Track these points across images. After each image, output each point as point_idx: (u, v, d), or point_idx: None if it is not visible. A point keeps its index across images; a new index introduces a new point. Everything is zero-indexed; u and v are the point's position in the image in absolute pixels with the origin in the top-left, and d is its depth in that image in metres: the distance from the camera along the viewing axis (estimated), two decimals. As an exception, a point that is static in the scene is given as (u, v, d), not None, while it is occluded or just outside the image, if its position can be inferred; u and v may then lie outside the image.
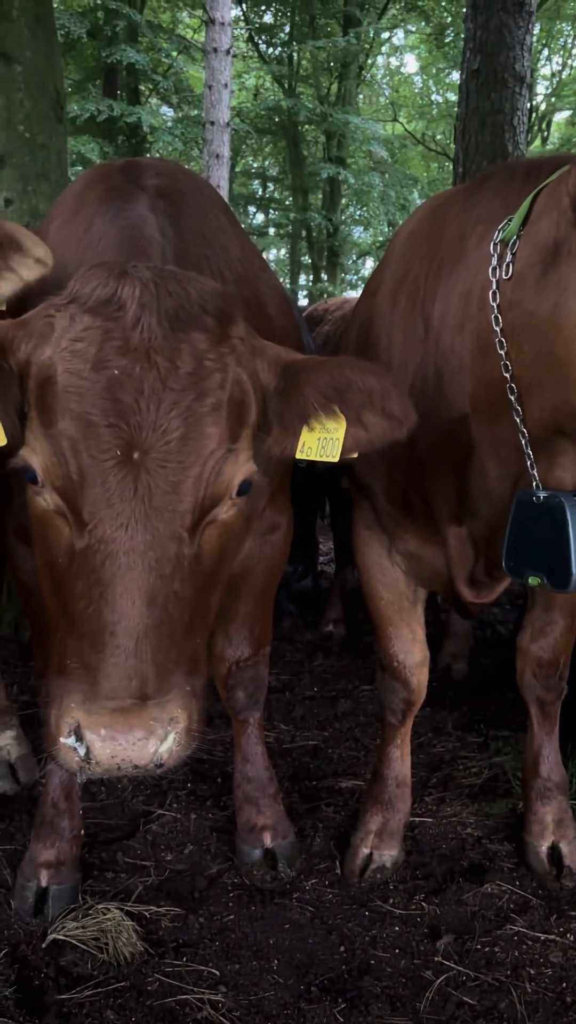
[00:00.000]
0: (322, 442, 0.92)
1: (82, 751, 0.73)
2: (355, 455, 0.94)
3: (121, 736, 0.72)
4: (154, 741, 0.74)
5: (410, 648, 1.44)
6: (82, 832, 1.38)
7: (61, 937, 1.19)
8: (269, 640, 1.54)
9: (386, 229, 9.09)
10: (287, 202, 9.46)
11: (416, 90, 10.20)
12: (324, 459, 0.94)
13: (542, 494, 1.02)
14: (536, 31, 4.46)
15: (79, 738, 0.73)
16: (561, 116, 9.52)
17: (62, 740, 0.74)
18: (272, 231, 9.94)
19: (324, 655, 2.58)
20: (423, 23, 8.54)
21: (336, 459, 0.93)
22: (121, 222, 1.09)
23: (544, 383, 0.97)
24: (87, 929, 1.19)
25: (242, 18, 8.65)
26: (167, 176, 1.23)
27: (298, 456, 0.94)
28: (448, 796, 1.69)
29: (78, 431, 0.75)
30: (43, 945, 1.19)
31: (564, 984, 1.13)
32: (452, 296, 1.10)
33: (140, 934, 1.21)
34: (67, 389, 0.76)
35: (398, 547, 1.40)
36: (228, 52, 6.31)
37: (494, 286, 1.00)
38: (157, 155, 7.74)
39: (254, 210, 10.02)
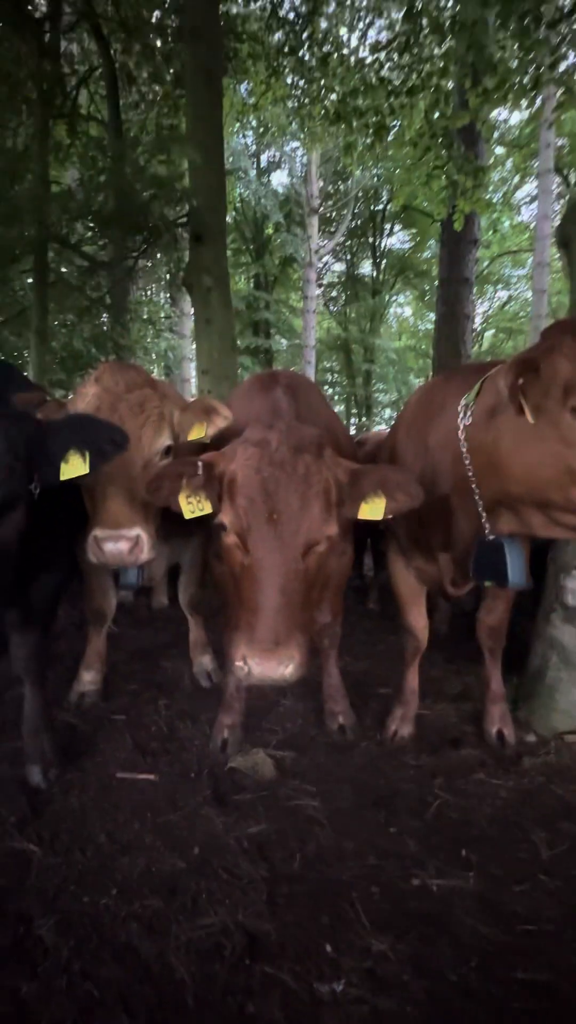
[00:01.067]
0: (372, 509, 1.60)
1: (245, 670, 1.36)
2: (390, 516, 1.61)
3: (265, 663, 1.34)
4: (282, 667, 1.35)
5: (418, 618, 2.27)
6: (243, 710, 2.25)
7: (234, 765, 2.05)
8: (342, 612, 2.37)
9: (396, 394, 17.30)
10: (344, 382, 18.30)
11: (410, 323, 20.55)
12: (373, 518, 1.61)
13: (490, 537, 1.72)
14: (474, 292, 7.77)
15: (244, 662, 1.35)
16: (489, 334, 18.53)
17: (236, 663, 1.37)
18: (336, 397, 18.72)
19: (368, 620, 3.84)
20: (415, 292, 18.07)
21: (380, 518, 1.61)
22: (267, 401, 1.86)
23: (489, 478, 1.64)
24: (247, 762, 2.06)
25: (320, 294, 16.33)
26: (290, 378, 2.06)
27: (359, 516, 1.61)
28: (439, 699, 2.58)
29: (247, 503, 1.45)
30: (224, 769, 2.05)
31: (508, 809, 1.85)
32: (439, 432, 1.81)
33: (275, 766, 2.05)
34: (242, 482, 1.47)
35: (411, 563, 2.18)
36: (313, 311, 13.75)
37: (461, 428, 1.68)
38: (281, 366, 15.24)
39: (328, 388, 18.96)
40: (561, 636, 2.27)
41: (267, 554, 1.41)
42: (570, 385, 1.41)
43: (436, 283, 8.41)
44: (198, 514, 1.60)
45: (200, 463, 1.58)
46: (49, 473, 1.49)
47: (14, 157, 5.65)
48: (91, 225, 5.48)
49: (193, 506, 1.60)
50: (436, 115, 4.93)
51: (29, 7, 5.57)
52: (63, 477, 1.48)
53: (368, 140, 5.33)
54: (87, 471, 1.51)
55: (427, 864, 1.62)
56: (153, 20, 6.50)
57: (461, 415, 1.67)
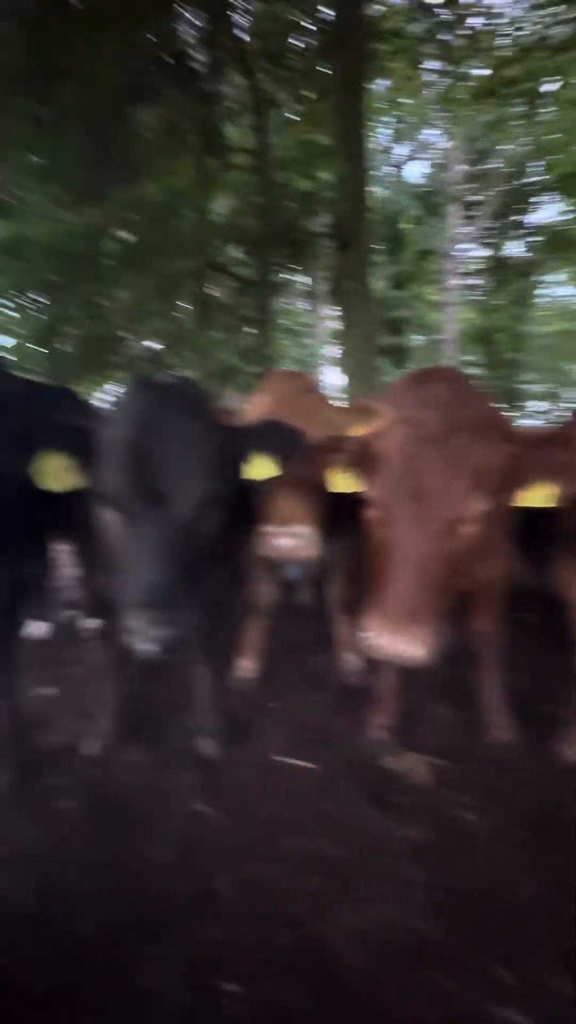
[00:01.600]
0: (536, 496, 1.48)
1: (373, 641, 1.30)
2: (561, 504, 1.45)
3: (394, 637, 1.28)
4: (412, 646, 1.27)
5: None
6: (394, 710, 2.26)
7: (388, 766, 2.07)
8: (502, 619, 2.23)
9: (552, 384, 15.65)
10: (488, 375, 15.34)
11: (570, 304, 16.59)
12: (537, 505, 1.48)
13: None
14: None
15: (373, 633, 1.30)
16: None
17: (365, 633, 1.32)
18: None
19: (523, 630, 3.15)
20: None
21: (546, 506, 1.47)
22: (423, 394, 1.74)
23: None
24: (401, 764, 2.06)
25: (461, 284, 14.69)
26: (446, 372, 1.91)
27: (520, 504, 1.50)
28: None
29: (392, 477, 1.41)
30: (378, 767, 2.06)
31: None
32: None
33: (429, 772, 2.03)
34: (390, 457, 1.44)
35: None
36: (454, 303, 12.97)
37: None
38: (416, 364, 13.69)
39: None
40: None
41: (408, 529, 1.36)
42: None
43: None
44: (348, 491, 1.61)
45: (356, 439, 1.58)
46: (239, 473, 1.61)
47: (176, 196, 6.36)
48: (242, 249, 5.93)
49: (345, 482, 1.61)
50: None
51: (191, 62, 6.23)
52: (254, 478, 1.62)
53: (522, 110, 4.91)
54: (278, 473, 1.63)
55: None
56: (298, 44, 6.80)
57: None
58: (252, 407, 2.06)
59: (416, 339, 16.36)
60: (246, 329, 7.70)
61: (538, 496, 1.45)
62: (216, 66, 6.30)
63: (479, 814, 1.83)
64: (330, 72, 4.91)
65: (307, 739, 2.29)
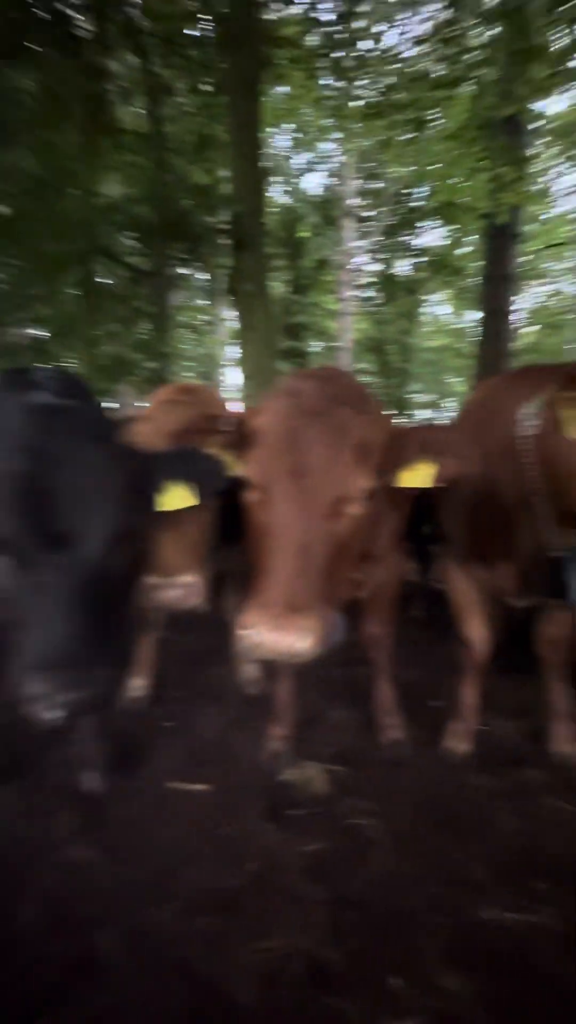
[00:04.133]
0: (416, 476, 1.40)
1: (253, 639, 1.12)
2: (440, 484, 1.42)
3: (277, 632, 1.09)
4: (297, 639, 1.09)
5: (479, 630, 2.17)
6: (293, 720, 2.20)
7: (286, 778, 2.00)
8: (394, 623, 2.28)
9: (434, 395, 17.50)
10: (380, 383, 16.58)
11: (447, 322, 18.59)
12: (418, 486, 1.41)
13: (555, 552, 1.61)
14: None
15: (252, 630, 1.12)
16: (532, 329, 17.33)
17: (243, 631, 1.12)
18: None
19: (415, 628, 3.59)
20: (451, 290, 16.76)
21: (428, 486, 1.41)
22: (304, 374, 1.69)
23: (557, 492, 1.53)
24: (299, 775, 2.01)
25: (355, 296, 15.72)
26: (327, 369, 1.96)
27: (401, 484, 1.41)
28: (495, 714, 2.41)
29: (270, 454, 1.27)
30: (277, 782, 1.98)
31: None
32: (501, 438, 1.68)
33: (329, 781, 2.00)
34: (268, 432, 1.31)
35: (471, 572, 2.07)
36: (348, 313, 14.14)
37: (525, 437, 1.58)
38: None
39: None
40: None
41: (290, 510, 1.22)
42: None
43: (475, 280, 8.52)
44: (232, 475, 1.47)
45: (231, 418, 1.45)
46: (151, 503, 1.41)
47: (62, 174, 5.84)
48: (135, 236, 5.60)
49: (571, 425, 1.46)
50: (480, 106, 4.78)
51: (75, 29, 5.75)
52: (167, 508, 1.42)
53: (406, 135, 5.23)
54: (197, 503, 1.45)
55: (498, 895, 1.52)
56: (194, 33, 6.60)
57: (526, 423, 1.57)
58: (145, 423, 1.88)
59: (315, 345, 16.91)
60: (142, 323, 7.32)
61: (419, 475, 1.38)
62: (103, 38, 5.89)
63: (376, 818, 1.84)
64: (226, 68, 4.80)
65: (203, 759, 2.16)
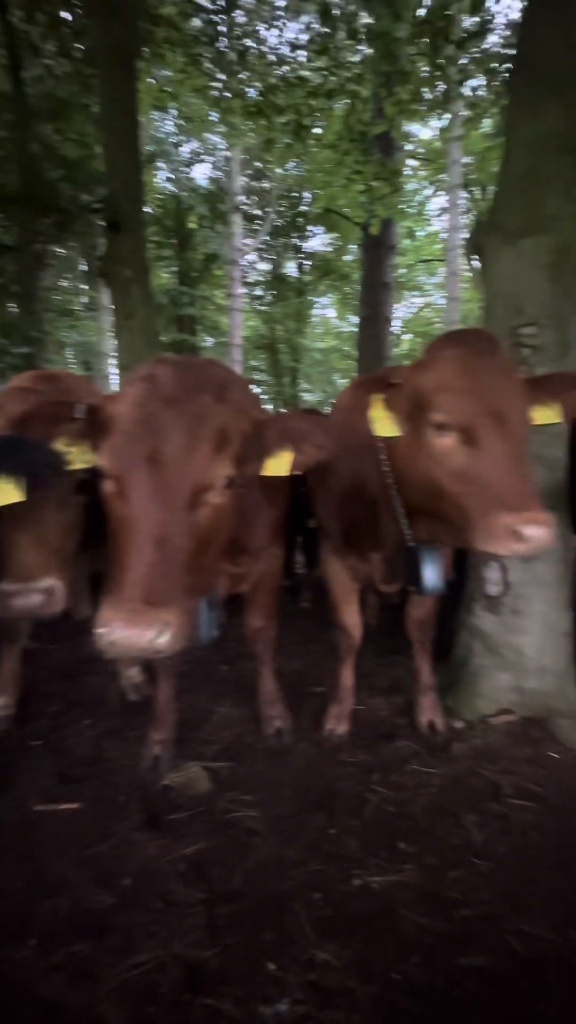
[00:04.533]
0: (278, 464, 1.39)
1: (107, 636, 1.05)
2: (298, 471, 1.41)
3: (130, 628, 1.03)
4: (152, 633, 1.04)
5: (352, 615, 2.28)
6: (174, 723, 2.15)
7: (167, 783, 1.94)
8: (275, 616, 2.32)
9: (322, 394, 17.80)
10: (271, 381, 17.62)
11: (334, 325, 19.78)
12: (280, 473, 1.39)
13: (410, 543, 1.72)
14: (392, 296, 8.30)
15: (106, 627, 1.05)
16: (408, 337, 18.38)
17: (97, 630, 1.05)
18: (264, 396, 17.78)
19: (302, 618, 3.76)
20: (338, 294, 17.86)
21: (287, 473, 1.39)
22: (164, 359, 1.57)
23: (401, 486, 1.63)
24: (181, 778, 1.96)
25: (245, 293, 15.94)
26: (193, 357, 1.82)
27: (263, 473, 1.39)
28: (371, 694, 2.59)
29: (125, 441, 1.20)
30: (157, 788, 1.93)
31: (441, 796, 1.90)
32: (361, 437, 1.71)
33: (211, 779, 1.97)
34: (123, 418, 1.23)
35: (344, 561, 2.18)
36: (239, 310, 13.90)
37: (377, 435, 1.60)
38: None
39: (256, 387, 18.05)
40: (483, 625, 2.39)
41: (145, 500, 1.16)
42: (427, 400, 1.44)
43: (358, 286, 8.77)
44: (77, 467, 1.39)
45: (83, 405, 1.36)
46: None
47: None
48: (-7, 205, 5.02)
49: (73, 456, 1.37)
50: (353, 120, 5.04)
51: None
52: None
53: (288, 139, 5.33)
54: (23, 498, 1.31)
55: (367, 862, 1.62)
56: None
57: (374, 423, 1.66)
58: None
59: (207, 341, 16.66)
60: (6, 303, 6.60)
61: (281, 463, 1.37)
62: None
63: (258, 808, 1.85)
64: (101, 33, 4.48)
65: (74, 776, 2.01)
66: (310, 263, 17.68)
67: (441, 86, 4.30)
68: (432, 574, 1.63)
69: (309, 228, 17.26)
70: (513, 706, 2.33)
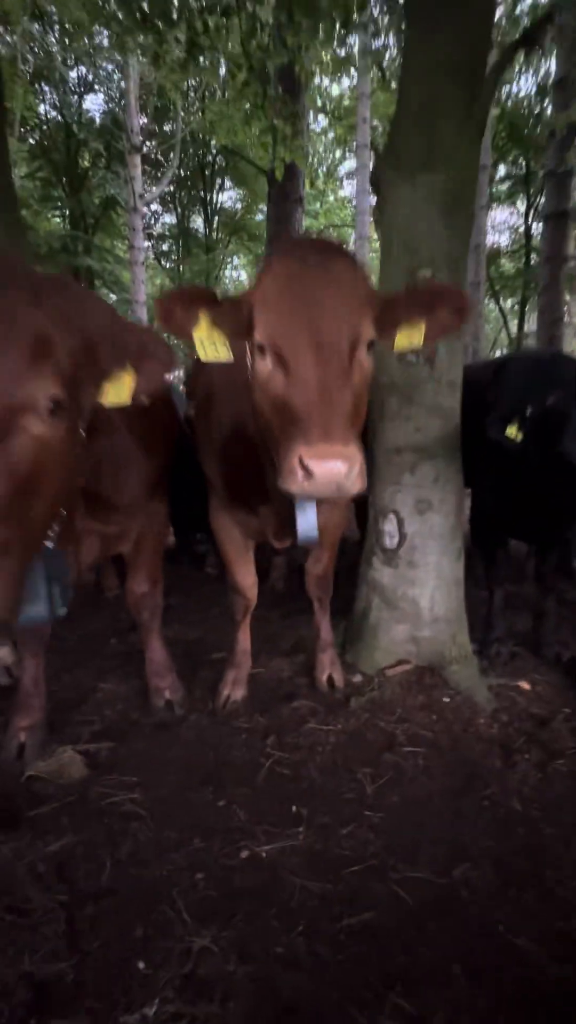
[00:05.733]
0: (118, 389, 1.19)
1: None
2: (146, 399, 1.22)
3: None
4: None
5: (246, 575, 2.12)
6: (44, 705, 1.88)
7: (34, 773, 1.68)
8: (161, 579, 2.09)
9: None
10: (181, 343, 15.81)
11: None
12: (121, 401, 1.20)
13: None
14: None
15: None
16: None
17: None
18: None
19: (207, 585, 3.57)
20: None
21: (128, 402, 1.21)
22: None
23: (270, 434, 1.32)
24: (51, 765, 1.71)
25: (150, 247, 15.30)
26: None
27: (104, 401, 1.19)
28: (273, 656, 2.50)
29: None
30: (21, 780, 1.68)
31: (337, 752, 1.84)
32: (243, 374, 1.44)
33: (86, 763, 1.75)
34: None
35: (234, 516, 1.97)
36: (142, 263, 11.65)
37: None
38: None
39: None
40: (381, 578, 2.35)
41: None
42: (249, 318, 1.26)
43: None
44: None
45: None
46: None
47: None
48: None
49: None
50: (252, 46, 4.61)
51: None
52: None
53: (180, 54, 4.78)
54: None
55: (256, 831, 1.51)
56: None
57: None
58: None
59: (110, 297, 15.32)
60: None
61: (122, 388, 1.19)
62: None
63: (138, 790, 1.67)
64: None
65: None
66: (218, 219, 16.76)
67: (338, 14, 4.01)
68: (304, 523, 1.44)
69: (218, 181, 16.27)
70: (410, 656, 2.33)
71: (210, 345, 1.32)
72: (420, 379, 2.20)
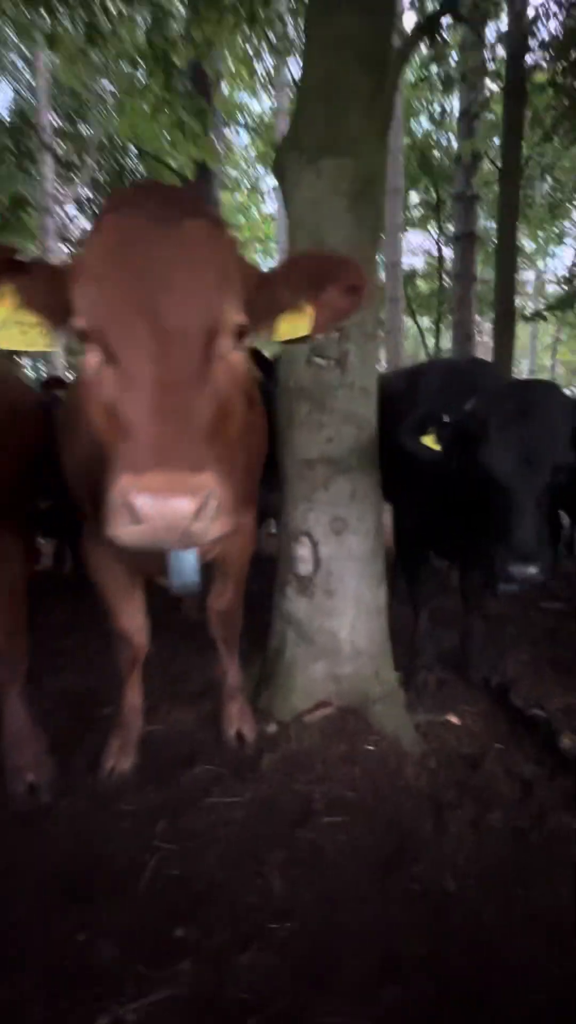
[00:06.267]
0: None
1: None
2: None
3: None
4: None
5: (132, 617, 1.73)
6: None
7: None
8: (25, 628, 1.69)
9: None
10: None
11: None
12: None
13: None
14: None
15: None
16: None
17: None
18: None
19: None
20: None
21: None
22: None
23: None
24: None
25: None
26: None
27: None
28: (176, 704, 2.14)
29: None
30: None
31: (243, 834, 1.49)
32: None
33: None
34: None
35: (113, 548, 1.54)
36: None
37: None
38: None
39: None
40: (296, 610, 2.06)
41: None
42: (69, 294, 0.90)
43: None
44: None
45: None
46: None
47: None
48: None
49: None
50: (155, 35, 4.32)
51: None
52: None
53: (80, 42, 4.38)
54: None
55: (124, 978, 1.13)
56: None
57: None
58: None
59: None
60: None
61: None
62: None
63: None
64: None
65: None
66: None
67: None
68: (179, 565, 1.10)
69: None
70: (330, 696, 2.04)
71: (15, 329, 0.95)
72: (331, 384, 1.96)
